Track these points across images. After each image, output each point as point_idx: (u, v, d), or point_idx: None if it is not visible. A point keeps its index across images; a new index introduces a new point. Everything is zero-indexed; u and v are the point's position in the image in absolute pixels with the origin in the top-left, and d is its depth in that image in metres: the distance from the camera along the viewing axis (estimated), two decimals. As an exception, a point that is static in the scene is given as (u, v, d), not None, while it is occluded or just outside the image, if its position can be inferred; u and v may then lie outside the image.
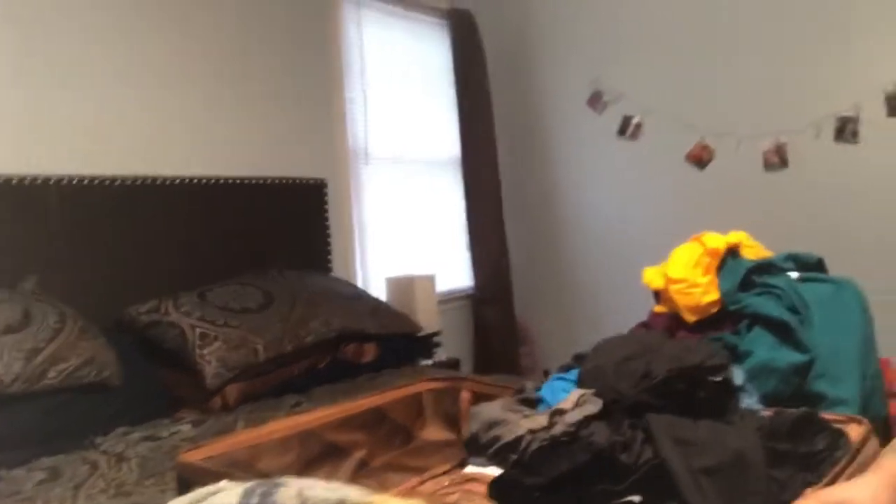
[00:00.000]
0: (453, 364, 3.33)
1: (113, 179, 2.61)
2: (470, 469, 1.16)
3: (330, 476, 1.59)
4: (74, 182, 2.50)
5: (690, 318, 1.67)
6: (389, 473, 1.53)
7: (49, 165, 2.45)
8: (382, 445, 1.69)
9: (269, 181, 3.09)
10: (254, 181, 3.03)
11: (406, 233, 3.72)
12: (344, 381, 2.59)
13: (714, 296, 1.66)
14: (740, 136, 3.32)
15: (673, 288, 1.68)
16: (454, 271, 3.94)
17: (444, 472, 1.39)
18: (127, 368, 2.22)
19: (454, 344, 3.72)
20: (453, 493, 1.08)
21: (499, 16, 4.08)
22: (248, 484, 0.77)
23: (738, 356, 1.53)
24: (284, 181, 3.15)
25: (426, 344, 3.23)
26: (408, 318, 3.04)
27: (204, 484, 0.82)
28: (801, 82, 3.20)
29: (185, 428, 2.10)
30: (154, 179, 2.73)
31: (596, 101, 3.78)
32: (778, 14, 3.25)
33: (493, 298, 3.85)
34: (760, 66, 3.30)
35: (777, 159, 3.25)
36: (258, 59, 3.11)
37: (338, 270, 3.29)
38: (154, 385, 2.33)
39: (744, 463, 0.91)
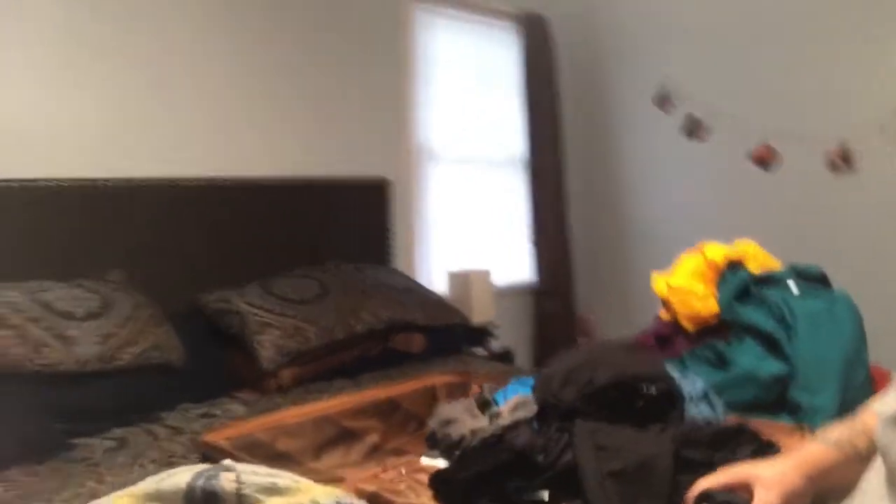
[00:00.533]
0: (505, 355, 3.46)
1: (189, 181, 2.87)
2: (423, 461, 1.29)
3: (344, 457, 1.77)
4: (154, 184, 2.77)
5: (689, 326, 1.74)
6: (393, 457, 1.69)
7: (131, 169, 2.73)
8: (396, 431, 1.84)
9: (335, 180, 3.30)
10: (321, 180, 3.25)
11: (469, 229, 3.87)
12: (392, 369, 2.77)
13: (712, 306, 1.72)
14: (805, 137, 3.25)
15: (673, 296, 1.75)
16: (517, 266, 4.06)
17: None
18: (195, 351, 2.48)
19: (514, 335, 3.85)
20: (404, 481, 1.22)
21: (570, 18, 4.13)
22: (200, 467, 0.94)
23: (725, 364, 1.59)
24: (350, 180, 3.35)
25: (480, 335, 3.37)
26: (456, 309, 3.18)
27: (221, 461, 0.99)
28: (867, 83, 3.11)
29: (238, 407, 2.34)
30: (226, 180, 2.97)
31: (664, 101, 3.79)
32: (846, 14, 3.16)
33: (554, 292, 3.95)
34: (827, 67, 3.22)
35: (841, 161, 3.18)
36: (328, 61, 3.30)
37: (400, 265, 3.47)
38: (218, 366, 2.59)
39: (649, 468, 1.00)
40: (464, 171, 3.89)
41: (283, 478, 0.94)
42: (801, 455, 0.97)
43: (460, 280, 3.50)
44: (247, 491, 0.89)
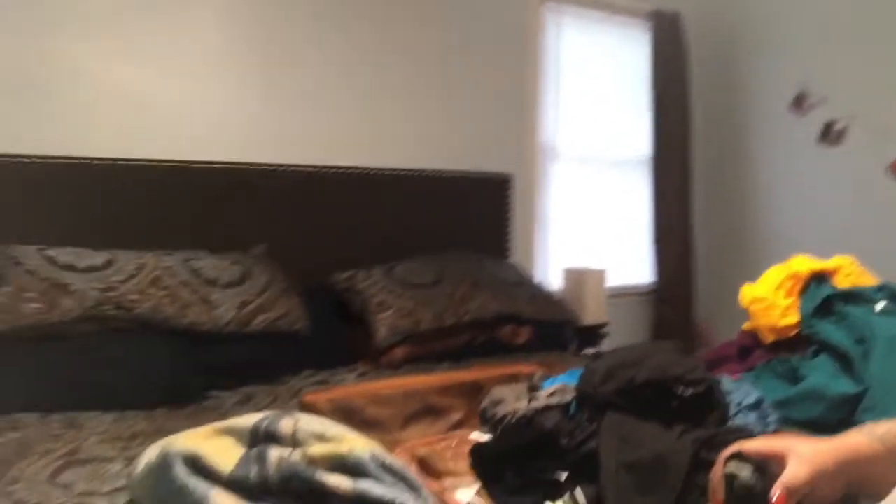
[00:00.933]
0: (613, 355, 3.49)
1: (329, 168, 3.16)
2: (473, 435, 1.43)
3: (428, 430, 1.94)
4: (297, 170, 3.09)
5: (768, 337, 1.76)
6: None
7: (277, 156, 3.06)
8: (477, 410, 1.99)
9: (460, 173, 3.49)
10: (447, 173, 3.45)
11: (589, 228, 3.94)
12: (495, 358, 2.92)
13: (793, 318, 1.73)
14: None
15: (754, 307, 1.77)
16: (636, 268, 4.07)
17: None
18: (321, 324, 2.76)
19: (628, 339, 3.86)
20: (452, 450, 1.37)
21: (704, 15, 4.07)
22: (266, 413, 1.15)
23: (797, 379, 1.61)
24: (474, 174, 3.53)
25: (591, 334, 3.44)
26: (565, 306, 3.28)
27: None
28: None
29: (351, 377, 2.59)
30: (364, 170, 3.24)
31: (800, 103, 3.66)
32: None
33: (673, 297, 3.93)
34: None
35: None
36: (457, 60, 3.50)
37: (518, 259, 3.61)
38: (341, 340, 2.86)
39: (663, 464, 1.08)
40: (587, 170, 3.97)
41: (333, 429, 1.13)
42: (842, 441, 0.95)
43: (575, 277, 3.58)
44: (300, 435, 1.09)
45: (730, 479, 0.93)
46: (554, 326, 3.16)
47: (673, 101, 3.95)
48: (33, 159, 2.53)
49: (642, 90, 4.06)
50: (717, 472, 0.97)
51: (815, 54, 3.60)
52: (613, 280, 3.77)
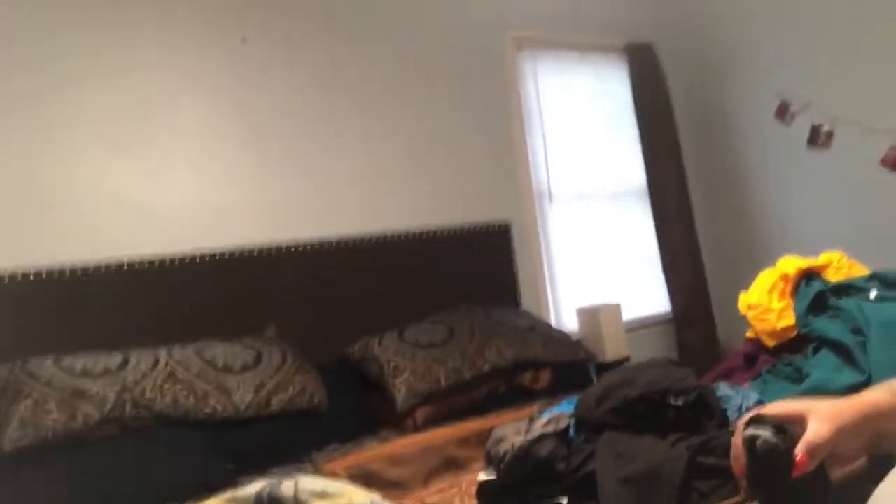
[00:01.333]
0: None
1: (330, 241, 3.23)
2: (481, 476, 1.43)
3: (451, 485, 1.93)
4: (301, 248, 3.16)
5: (769, 342, 1.76)
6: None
7: (279, 237, 3.14)
8: (498, 459, 1.99)
9: (458, 228, 3.55)
10: (447, 230, 3.51)
11: (596, 264, 3.95)
12: (520, 405, 2.91)
13: (789, 320, 1.73)
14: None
15: (750, 314, 1.78)
16: (650, 297, 4.05)
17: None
18: (341, 396, 2.78)
19: (655, 366, 3.82)
20: (460, 494, 1.37)
21: (678, 43, 4.16)
22: (267, 479, 1.17)
23: (802, 378, 1.60)
24: (473, 227, 3.59)
25: (613, 369, 3.41)
26: (581, 345, 3.28)
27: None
28: None
29: (378, 445, 2.59)
30: (363, 237, 3.30)
31: (783, 112, 3.70)
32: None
33: (693, 321, 3.90)
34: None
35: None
36: (443, 119, 3.61)
37: (528, 304, 3.63)
38: (362, 409, 2.87)
39: (657, 473, 1.09)
40: (587, 207, 4.01)
41: (334, 485, 1.15)
42: (861, 398, 0.94)
43: (590, 316, 3.58)
44: (301, 496, 1.11)
45: (751, 442, 0.91)
46: (573, 366, 3.15)
47: (659, 127, 4.02)
48: (40, 272, 2.62)
49: (628, 121, 4.13)
50: (738, 439, 0.95)
51: (793, 63, 3.66)
52: (629, 313, 3.76)
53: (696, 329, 3.90)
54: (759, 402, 1.41)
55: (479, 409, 2.86)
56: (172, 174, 2.97)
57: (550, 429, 1.25)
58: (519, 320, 3.28)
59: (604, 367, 3.43)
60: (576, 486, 1.15)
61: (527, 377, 3.04)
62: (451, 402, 2.88)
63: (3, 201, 2.64)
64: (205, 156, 3.05)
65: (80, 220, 2.77)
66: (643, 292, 4.10)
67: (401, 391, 2.78)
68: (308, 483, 1.20)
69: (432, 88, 3.60)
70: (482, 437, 2.01)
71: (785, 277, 1.76)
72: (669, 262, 3.98)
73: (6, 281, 2.58)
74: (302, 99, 3.28)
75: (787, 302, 1.74)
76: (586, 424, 1.25)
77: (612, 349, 3.48)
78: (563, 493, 1.15)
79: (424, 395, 2.80)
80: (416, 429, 2.76)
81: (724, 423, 1.28)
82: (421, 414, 2.82)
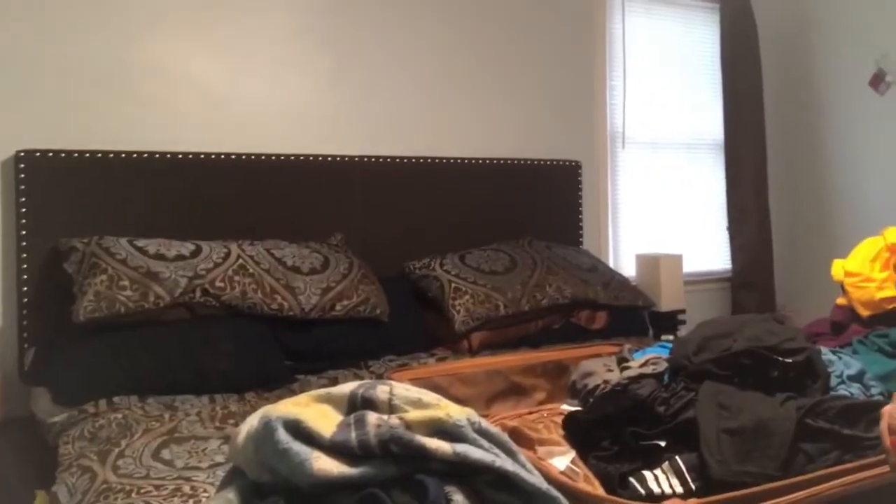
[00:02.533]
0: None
1: (402, 158, 3.21)
2: (563, 407, 1.43)
3: (513, 409, 1.95)
4: (371, 160, 3.15)
5: (864, 312, 1.71)
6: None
7: (353, 148, 3.12)
8: (561, 390, 1.98)
9: (529, 162, 3.49)
10: (516, 161, 3.45)
11: (661, 213, 3.88)
12: (573, 342, 2.91)
13: (890, 291, 1.67)
14: None
15: (848, 281, 1.73)
16: (711, 253, 3.99)
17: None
18: (400, 310, 2.80)
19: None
20: (542, 421, 1.37)
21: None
22: (361, 381, 1.17)
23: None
24: (543, 162, 3.52)
25: (668, 320, 3.39)
26: (640, 292, 3.24)
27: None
28: None
29: (431, 361, 2.62)
30: (434, 159, 3.28)
31: (878, 80, 3.50)
32: None
33: (752, 283, 3.83)
34: None
35: None
36: (525, 49, 3.52)
37: (589, 246, 3.58)
38: (419, 325, 2.89)
39: (767, 430, 1.06)
40: (659, 155, 3.90)
41: (429, 395, 1.15)
42: None
43: (649, 263, 3.53)
44: (396, 401, 1.11)
45: None
46: (630, 312, 3.13)
47: (745, 85, 3.85)
48: (119, 154, 2.66)
49: (712, 75, 3.98)
50: (891, 411, 0.94)
51: (892, 31, 3.45)
52: (687, 267, 3.70)
53: (753, 292, 3.83)
54: (861, 372, 1.38)
55: (532, 342, 2.88)
56: (254, 74, 2.96)
57: (649, 369, 1.23)
58: (581, 258, 3.25)
59: (658, 317, 3.40)
60: (672, 431, 1.14)
61: (583, 316, 3.03)
62: (507, 332, 2.89)
63: (93, 81, 2.68)
64: (284, 59, 3.03)
65: (163, 108, 2.80)
66: (704, 248, 4.02)
67: (459, 313, 2.79)
68: (402, 390, 1.20)
69: (521, 16, 3.50)
70: (547, 367, 2.02)
71: (891, 248, 1.69)
72: (736, 221, 3.88)
73: (88, 157, 2.61)
74: (391, 16, 3.23)
75: (890, 273, 1.68)
76: (683, 372, 1.23)
77: (668, 300, 3.44)
78: (660, 437, 1.14)
79: (482, 320, 2.81)
80: (472, 352, 2.78)
81: (827, 389, 1.25)
82: (476, 338, 2.83)
